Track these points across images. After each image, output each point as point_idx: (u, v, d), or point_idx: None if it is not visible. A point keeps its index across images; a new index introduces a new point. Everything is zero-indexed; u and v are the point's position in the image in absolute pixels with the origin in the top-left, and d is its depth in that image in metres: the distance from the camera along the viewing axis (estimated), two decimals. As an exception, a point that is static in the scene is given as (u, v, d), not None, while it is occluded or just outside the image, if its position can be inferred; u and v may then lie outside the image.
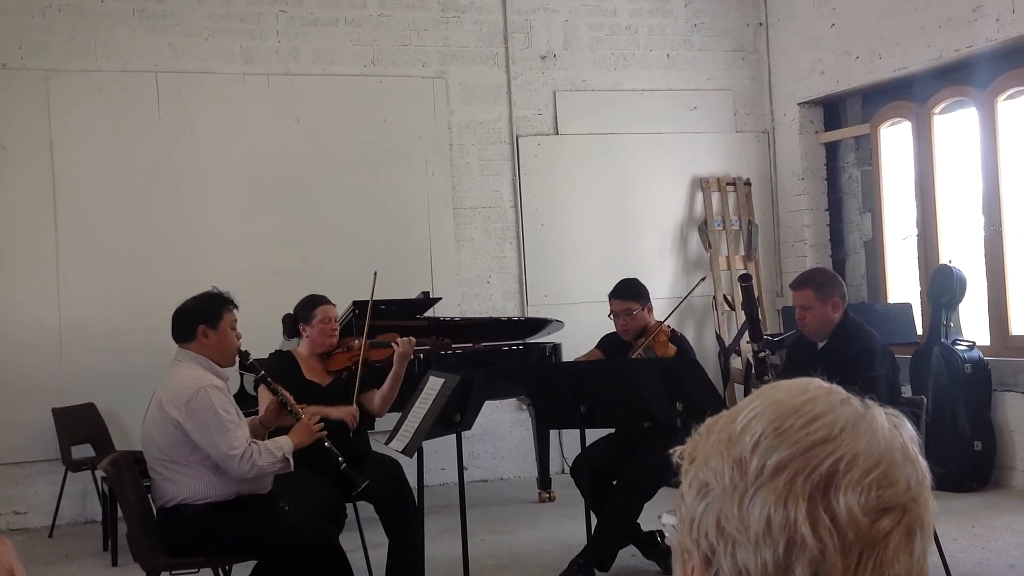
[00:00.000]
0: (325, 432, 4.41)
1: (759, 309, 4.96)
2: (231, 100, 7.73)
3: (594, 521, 5.04)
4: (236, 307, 4.31)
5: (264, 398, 4.64)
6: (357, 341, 5.36)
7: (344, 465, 4.51)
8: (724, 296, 8.58)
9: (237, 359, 4.32)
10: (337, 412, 4.97)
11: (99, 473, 6.01)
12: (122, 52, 7.53)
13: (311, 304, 5.26)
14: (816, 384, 0.98)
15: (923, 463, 0.96)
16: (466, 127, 8.27)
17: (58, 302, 7.30)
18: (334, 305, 5.32)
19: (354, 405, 5.08)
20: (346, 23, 8.00)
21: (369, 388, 5.29)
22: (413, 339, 5.28)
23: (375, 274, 5.57)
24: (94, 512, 7.09)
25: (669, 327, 5.75)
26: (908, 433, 0.96)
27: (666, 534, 4.99)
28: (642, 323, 5.58)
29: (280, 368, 4.92)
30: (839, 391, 0.98)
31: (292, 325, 5.45)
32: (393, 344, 5.24)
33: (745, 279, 5.07)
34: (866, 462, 0.90)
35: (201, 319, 4.20)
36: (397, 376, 5.22)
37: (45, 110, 7.35)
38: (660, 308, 5.80)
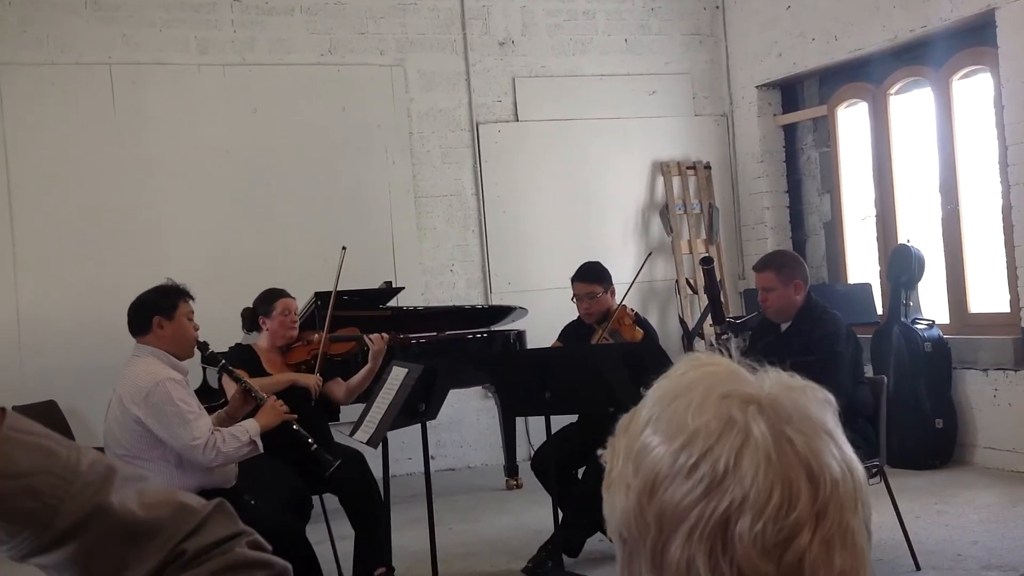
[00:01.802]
0: (294, 416, 4.39)
1: (721, 292, 4.98)
2: (187, 91, 7.64)
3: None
4: (192, 298, 4.30)
5: (230, 390, 4.62)
6: (317, 335, 5.35)
7: (315, 447, 4.49)
8: (687, 280, 8.61)
9: (196, 351, 4.31)
10: (304, 379, 4.99)
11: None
12: (75, 44, 7.43)
13: (270, 297, 5.25)
14: (698, 380, 0.93)
15: (835, 454, 0.90)
16: (426, 115, 8.24)
17: (16, 298, 7.21)
18: (293, 298, 5.31)
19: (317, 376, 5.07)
20: (302, 11, 7.93)
21: (332, 377, 5.29)
22: (386, 335, 5.27)
23: (343, 249, 5.56)
24: (57, 510, 7.01)
25: (633, 310, 5.76)
26: (802, 429, 0.89)
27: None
28: (605, 306, 5.58)
29: (239, 361, 4.89)
30: (720, 378, 0.93)
31: (251, 319, 5.42)
32: (369, 340, 5.23)
33: (706, 262, 5.09)
34: (758, 499, 0.86)
35: (156, 310, 4.18)
36: (371, 372, 5.25)
37: (-3, 104, 7.24)
38: (623, 293, 5.80)
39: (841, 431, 0.93)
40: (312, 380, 5.06)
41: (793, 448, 0.88)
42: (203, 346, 4.33)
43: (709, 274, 5.05)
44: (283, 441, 4.42)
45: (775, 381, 0.93)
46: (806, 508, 0.86)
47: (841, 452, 0.91)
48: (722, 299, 4.96)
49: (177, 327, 4.20)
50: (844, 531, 0.88)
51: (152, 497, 1.11)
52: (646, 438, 0.92)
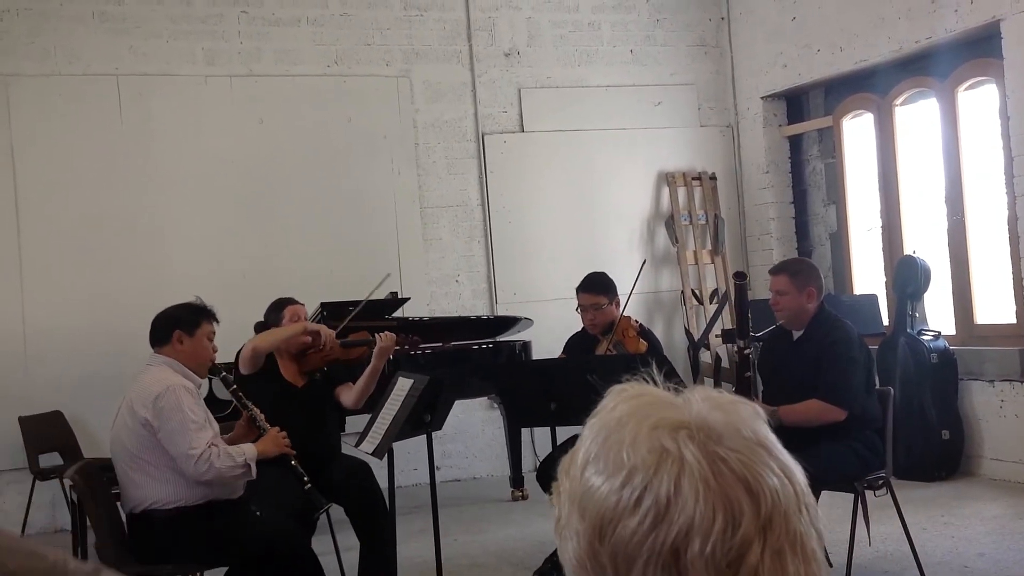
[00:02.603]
0: (294, 452, 4.40)
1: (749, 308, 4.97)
2: (193, 102, 7.67)
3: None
4: (216, 320, 4.32)
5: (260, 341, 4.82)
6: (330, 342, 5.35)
7: (309, 486, 4.49)
8: (692, 290, 8.62)
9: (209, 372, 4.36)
10: (312, 326, 5.14)
11: (67, 481, 5.95)
12: (82, 55, 7.46)
13: (279, 306, 5.26)
14: (628, 414, 0.95)
15: (771, 465, 0.91)
16: (431, 126, 8.25)
17: (22, 309, 7.23)
18: (302, 304, 5.31)
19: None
20: (308, 23, 7.96)
21: (343, 382, 5.28)
22: (393, 335, 5.24)
23: (387, 276, 5.80)
24: (63, 521, 7.01)
25: (637, 321, 5.75)
26: (734, 447, 0.91)
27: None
28: (610, 317, 5.57)
29: (261, 368, 4.93)
30: (647, 410, 0.95)
31: (263, 330, 5.40)
32: (377, 337, 5.20)
33: (740, 277, 5.04)
34: (703, 522, 0.87)
35: (178, 324, 4.21)
36: (375, 370, 5.15)
37: (6, 115, 7.27)
38: (629, 303, 5.80)
39: (774, 439, 0.95)
40: (320, 327, 5.14)
41: (728, 467, 0.90)
42: (215, 369, 4.36)
43: (740, 289, 5.02)
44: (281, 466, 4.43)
45: (701, 401, 0.95)
46: (751, 524, 0.88)
47: (777, 460, 0.92)
48: (748, 314, 4.93)
49: (196, 344, 4.22)
50: (793, 538, 0.90)
51: None
52: (587, 480, 0.94)
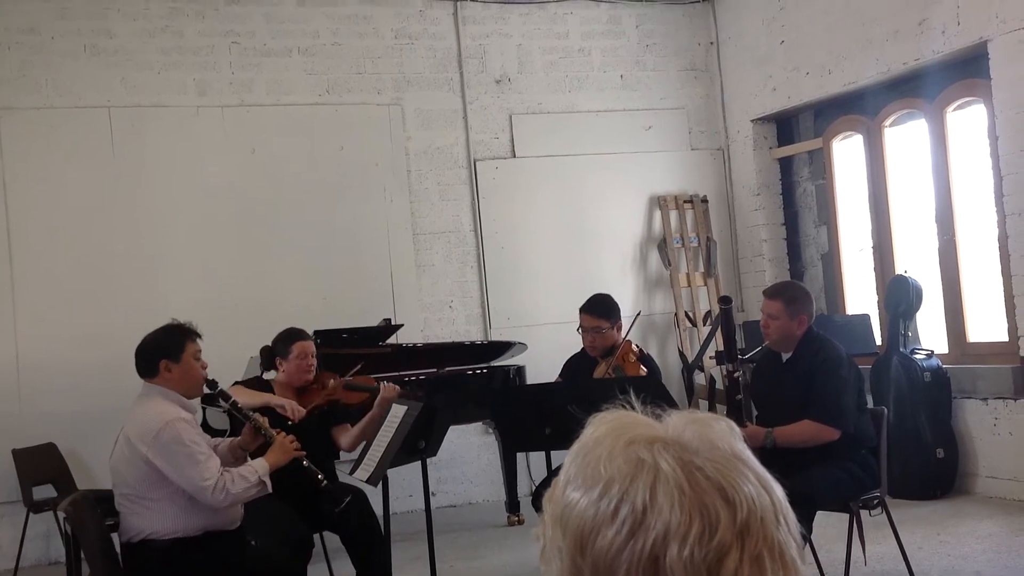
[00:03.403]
0: (303, 452, 4.36)
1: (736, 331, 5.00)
2: (185, 133, 7.69)
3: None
4: (199, 336, 4.28)
5: (245, 397, 4.66)
6: (332, 380, 5.31)
7: (325, 483, 4.46)
8: (686, 313, 8.63)
9: (205, 388, 4.29)
10: (279, 400, 4.95)
11: (61, 514, 5.92)
12: (74, 88, 7.49)
13: (289, 339, 5.20)
14: (605, 433, 0.97)
15: (748, 476, 0.93)
16: (423, 153, 8.28)
17: (15, 342, 7.22)
18: (312, 340, 5.26)
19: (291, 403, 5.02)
20: (299, 52, 8.00)
21: (341, 423, 5.26)
22: (397, 388, 5.20)
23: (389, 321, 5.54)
24: (58, 553, 6.98)
25: (638, 347, 5.76)
26: (710, 458, 0.93)
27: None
28: (610, 341, 5.58)
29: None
30: (623, 428, 0.97)
31: (268, 358, 5.34)
32: (381, 386, 5.17)
33: (725, 301, 5.06)
34: (680, 527, 0.89)
35: (162, 354, 4.17)
36: (374, 419, 5.07)
37: (-3, 148, 7.29)
38: (626, 330, 5.82)
39: (750, 454, 0.97)
40: (287, 401, 4.99)
41: (704, 475, 0.92)
42: (212, 384, 4.31)
43: (726, 314, 5.04)
44: (290, 478, 4.39)
45: (678, 420, 0.98)
46: (728, 529, 0.89)
47: (754, 472, 0.94)
48: (735, 337, 4.95)
49: (185, 369, 4.18)
50: (771, 545, 0.91)
51: None
52: (567, 497, 0.96)
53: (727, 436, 0.96)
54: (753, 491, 0.92)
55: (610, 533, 0.90)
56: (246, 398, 4.74)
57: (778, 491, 0.95)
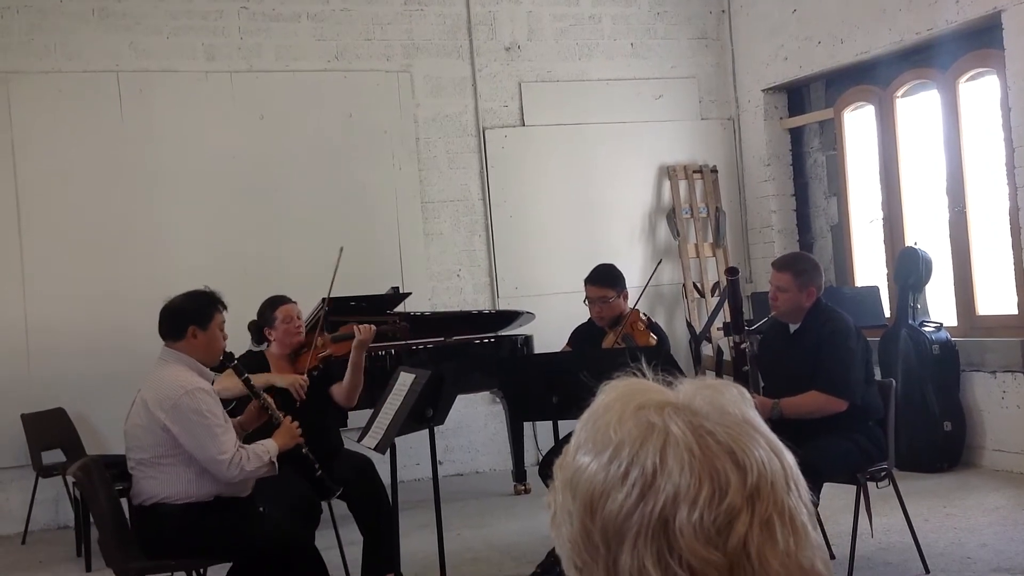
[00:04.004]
0: (303, 440, 4.39)
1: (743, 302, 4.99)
2: (194, 98, 7.67)
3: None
4: (225, 308, 4.29)
5: (230, 384, 4.60)
6: (321, 338, 5.33)
7: (320, 472, 4.50)
8: (694, 283, 8.61)
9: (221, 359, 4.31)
10: (283, 380, 4.95)
11: (70, 478, 5.96)
12: (82, 52, 7.46)
13: (271, 306, 5.23)
14: (615, 399, 0.97)
15: (759, 440, 0.93)
16: (432, 120, 8.25)
17: (24, 306, 7.23)
18: (294, 303, 5.27)
19: (304, 377, 5.01)
20: (309, 18, 7.96)
21: (336, 381, 5.27)
22: (373, 327, 5.21)
23: (341, 249, 5.45)
24: (67, 518, 7.03)
25: (646, 315, 5.76)
26: (721, 422, 0.93)
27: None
28: (617, 310, 5.57)
29: (250, 369, 4.84)
30: (633, 394, 0.97)
31: (257, 331, 5.32)
32: (356, 330, 5.17)
33: (732, 272, 5.05)
34: (689, 490, 0.89)
35: (192, 319, 4.18)
36: (356, 364, 5.12)
37: (6, 112, 7.27)
38: (635, 299, 5.80)
39: (761, 420, 0.96)
40: (290, 380, 4.98)
41: (715, 439, 0.91)
42: (228, 356, 4.33)
43: (734, 285, 5.03)
44: (293, 458, 4.42)
45: (689, 387, 0.98)
46: (738, 492, 0.89)
47: (764, 437, 0.94)
48: (743, 308, 4.94)
49: (210, 337, 4.20)
50: (782, 511, 0.90)
51: None
52: (577, 461, 0.96)
53: (738, 402, 0.96)
54: (764, 456, 0.92)
55: (620, 496, 0.90)
56: (233, 389, 4.68)
57: (789, 458, 0.95)
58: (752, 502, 0.89)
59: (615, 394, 0.98)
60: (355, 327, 5.18)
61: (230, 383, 4.63)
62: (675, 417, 0.92)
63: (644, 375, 1.02)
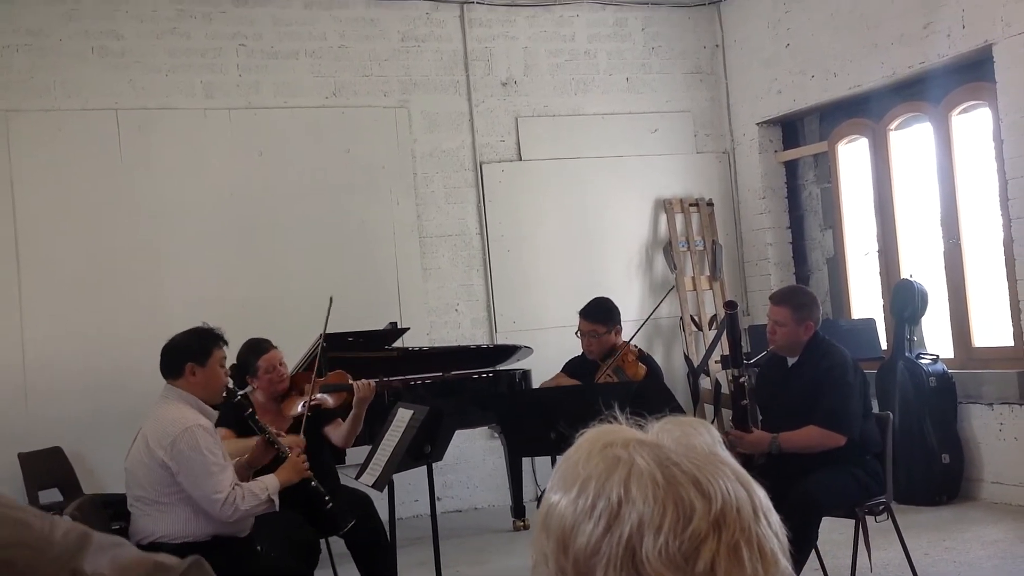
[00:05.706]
0: (311, 473, 4.39)
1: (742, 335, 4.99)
2: (193, 135, 7.70)
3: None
4: (226, 343, 4.30)
5: (234, 449, 4.56)
6: (307, 384, 5.24)
7: (331, 504, 4.49)
8: (691, 316, 8.63)
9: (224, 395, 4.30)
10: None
11: (67, 518, 5.93)
12: (82, 90, 7.50)
13: (252, 353, 5.16)
14: (585, 439, 1.00)
15: (725, 472, 0.94)
16: (429, 155, 8.29)
17: (22, 344, 7.23)
18: (276, 348, 5.22)
19: (301, 438, 4.97)
20: (306, 55, 8.01)
21: (331, 420, 5.27)
22: (373, 385, 5.21)
23: (331, 300, 5.40)
24: (64, 555, 6.98)
25: (636, 347, 5.77)
26: (687, 456, 0.94)
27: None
28: (607, 345, 5.59)
29: (233, 414, 4.71)
30: (603, 434, 0.99)
31: (239, 378, 5.16)
32: (355, 386, 5.17)
33: (731, 306, 5.07)
34: (654, 518, 0.90)
35: (189, 356, 4.19)
36: (357, 418, 5.17)
37: (5, 150, 7.29)
38: (628, 330, 5.82)
39: (730, 456, 0.98)
40: (290, 441, 4.80)
41: (680, 469, 0.93)
42: (230, 392, 4.33)
43: (732, 319, 5.04)
44: (299, 494, 4.41)
45: (658, 426, 1.00)
46: (703, 518, 0.90)
47: (732, 470, 0.95)
48: (741, 342, 4.94)
49: (210, 374, 4.20)
50: (750, 538, 0.91)
51: (126, 560, 1.14)
52: (548, 500, 0.98)
53: (706, 440, 0.98)
54: (729, 485, 0.93)
55: (588, 528, 0.92)
56: (242, 447, 4.59)
57: (759, 491, 0.96)
58: (718, 528, 0.90)
59: (586, 436, 1.00)
60: (354, 384, 5.18)
61: (234, 448, 4.55)
62: (640, 450, 0.94)
63: (616, 420, 1.03)
